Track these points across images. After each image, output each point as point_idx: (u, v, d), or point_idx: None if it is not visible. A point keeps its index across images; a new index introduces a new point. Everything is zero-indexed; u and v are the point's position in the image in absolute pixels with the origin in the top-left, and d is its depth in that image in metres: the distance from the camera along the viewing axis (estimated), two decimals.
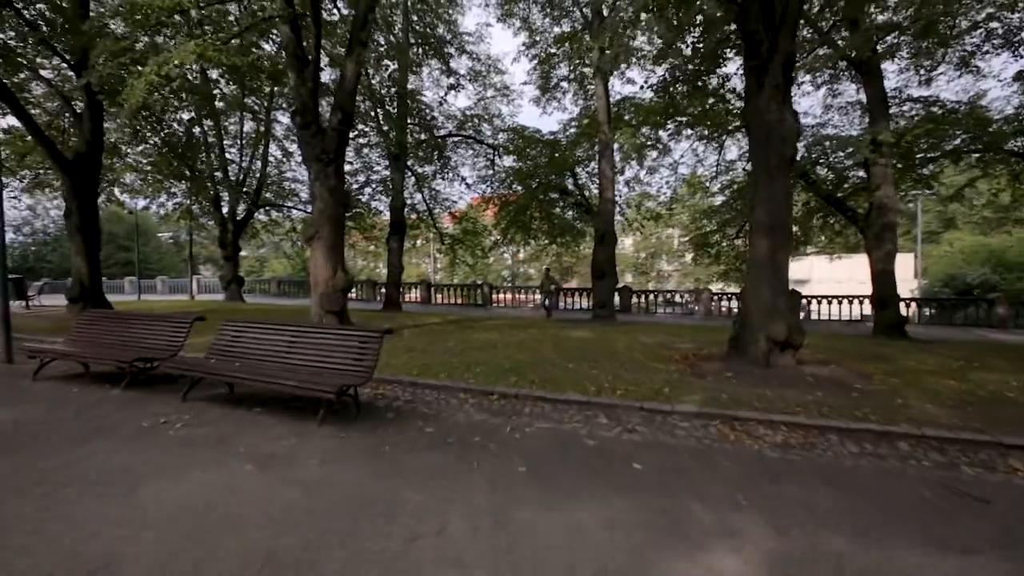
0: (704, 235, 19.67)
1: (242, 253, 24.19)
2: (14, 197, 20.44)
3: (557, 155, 17.15)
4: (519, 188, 18.55)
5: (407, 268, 62.09)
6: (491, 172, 20.26)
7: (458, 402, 5.97)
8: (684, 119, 18.41)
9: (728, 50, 13.64)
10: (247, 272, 35.75)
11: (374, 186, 20.58)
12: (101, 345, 7.21)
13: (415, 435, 4.79)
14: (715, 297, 20.28)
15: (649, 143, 18.48)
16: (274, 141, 21.35)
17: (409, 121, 19.73)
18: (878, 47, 13.67)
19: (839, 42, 12.94)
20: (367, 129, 19.53)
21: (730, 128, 18.73)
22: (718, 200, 21.04)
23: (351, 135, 18.69)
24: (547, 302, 17.05)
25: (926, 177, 15.89)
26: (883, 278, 14.05)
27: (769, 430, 5.02)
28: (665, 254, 52.71)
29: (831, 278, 38.83)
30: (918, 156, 14.62)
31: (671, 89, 15.36)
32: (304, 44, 10.06)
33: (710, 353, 8.71)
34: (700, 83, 15.08)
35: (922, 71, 14.70)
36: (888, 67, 14.94)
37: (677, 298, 21.05)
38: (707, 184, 20.90)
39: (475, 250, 22.78)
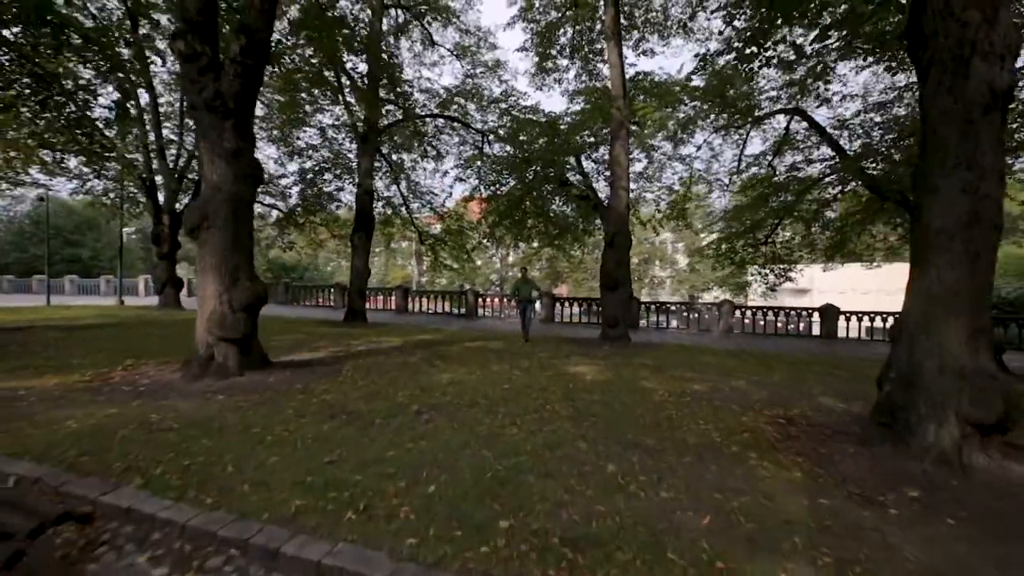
0: (727, 238, 16.34)
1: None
2: None
3: (558, 139, 13.68)
4: (511, 180, 15.06)
5: (391, 271, 58.58)
6: (479, 163, 16.66)
7: None
8: (708, 103, 15.18)
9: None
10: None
11: (337, 172, 16.80)
12: None
13: None
14: (736, 310, 16.95)
15: (672, 126, 15.14)
16: None
17: (383, 96, 16.16)
18: None
19: None
20: (328, 103, 15.89)
21: (758, 115, 15.53)
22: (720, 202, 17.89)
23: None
24: (525, 317, 11.76)
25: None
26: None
27: None
28: (659, 260, 49.55)
29: (833, 288, 35.71)
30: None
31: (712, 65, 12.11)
32: None
33: (821, 423, 5.29)
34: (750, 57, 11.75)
35: None
36: None
37: (692, 310, 17.69)
38: (725, 182, 17.67)
39: (459, 252, 19.23)
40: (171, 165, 16.96)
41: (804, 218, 15.54)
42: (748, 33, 10.45)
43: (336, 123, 16.97)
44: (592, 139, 13.73)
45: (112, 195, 16.79)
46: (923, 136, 4.54)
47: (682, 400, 6.25)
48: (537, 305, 14.74)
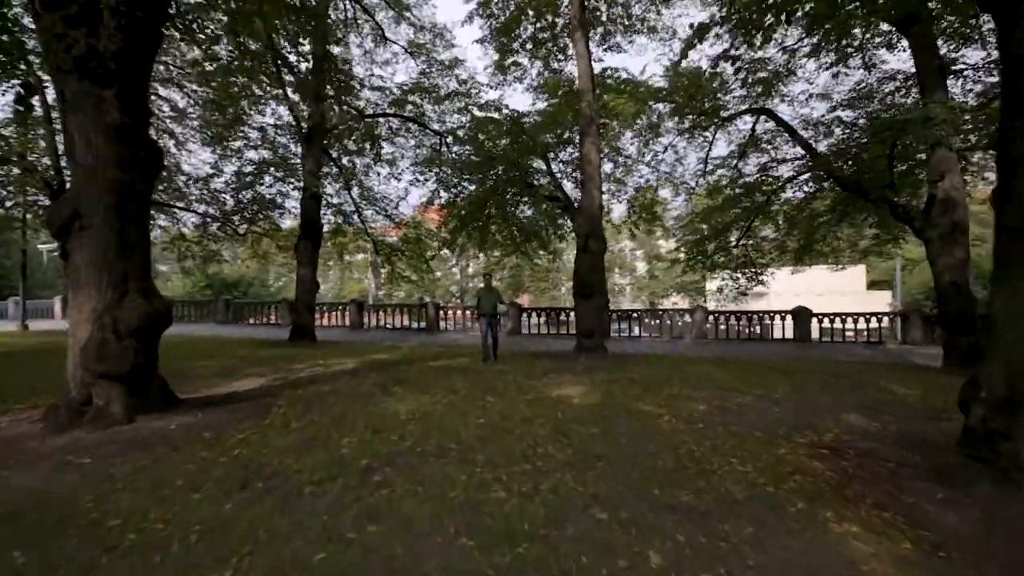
0: (698, 241, 15.64)
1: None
2: None
3: (523, 139, 12.51)
4: (472, 184, 13.75)
5: (347, 285, 55.80)
6: (437, 166, 15.25)
7: None
8: (674, 104, 14.53)
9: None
10: None
11: (278, 175, 14.91)
12: None
13: None
14: (708, 316, 16.24)
15: (641, 121, 14.32)
16: (155, 120, 15.50)
17: (330, 92, 14.60)
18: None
19: None
20: (267, 99, 14.19)
21: (725, 115, 15.00)
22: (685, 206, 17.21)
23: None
24: (490, 334, 9.83)
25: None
26: (952, 292, 10.34)
27: None
28: (618, 267, 49.38)
29: (788, 290, 36.11)
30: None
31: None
32: None
33: (871, 453, 4.25)
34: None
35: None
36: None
37: (662, 317, 16.85)
38: (692, 185, 17.07)
39: (418, 262, 17.71)
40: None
41: (774, 219, 15.05)
42: (727, 25, 9.68)
43: (278, 124, 15.21)
44: (560, 138, 12.64)
45: (10, 204, 14.33)
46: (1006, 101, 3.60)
47: (694, 427, 5.11)
48: (503, 319, 13.32)
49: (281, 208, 15.70)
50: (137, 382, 4.95)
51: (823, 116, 13.71)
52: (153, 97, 15.43)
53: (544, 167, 12.75)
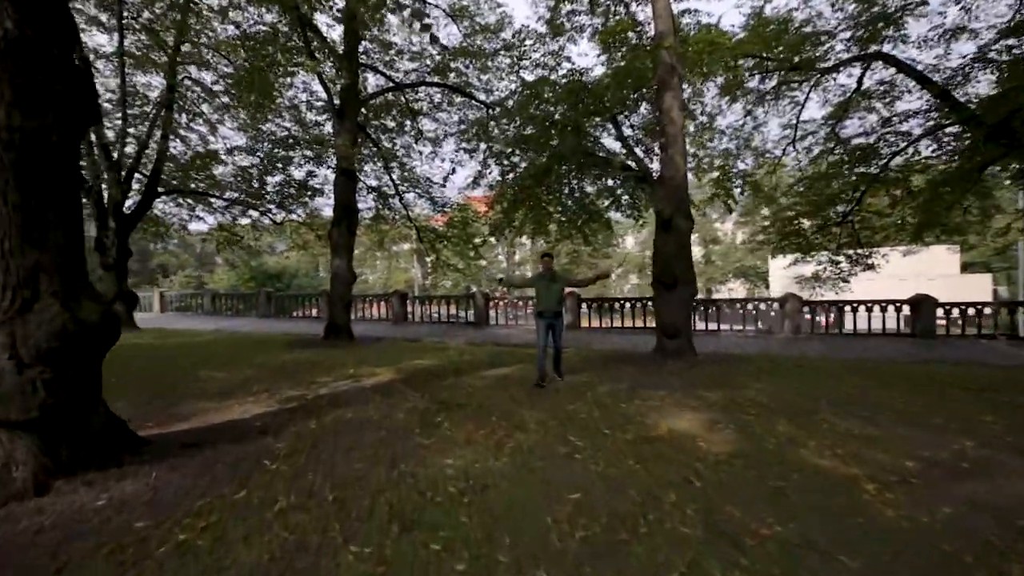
0: (792, 218, 12.97)
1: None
2: None
3: (586, 100, 10.21)
4: (522, 163, 11.59)
5: (394, 275, 55.00)
6: (484, 140, 13.18)
7: None
8: (761, 57, 12.02)
9: None
10: (184, 285, 28.10)
11: (309, 152, 13.20)
12: None
13: None
14: (804, 306, 13.53)
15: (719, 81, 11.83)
16: (183, 103, 14.28)
17: (364, 62, 12.86)
18: None
19: None
20: (298, 67, 12.57)
21: (825, 67, 12.16)
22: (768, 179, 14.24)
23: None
24: (551, 341, 6.49)
25: None
26: None
27: None
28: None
29: (865, 276, 31.77)
30: None
31: None
32: None
33: None
34: None
35: None
36: None
37: (747, 308, 14.26)
38: (775, 154, 14.32)
39: (465, 248, 15.86)
40: (114, 157, 13.66)
41: (893, 188, 12.13)
42: None
43: (310, 100, 13.61)
44: (630, 97, 10.24)
45: None
46: None
47: (924, 506, 2.91)
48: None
49: (316, 192, 14.14)
50: (56, 430, 3.25)
51: (965, 57, 10.66)
52: (185, 80, 14.25)
53: (614, 132, 10.45)
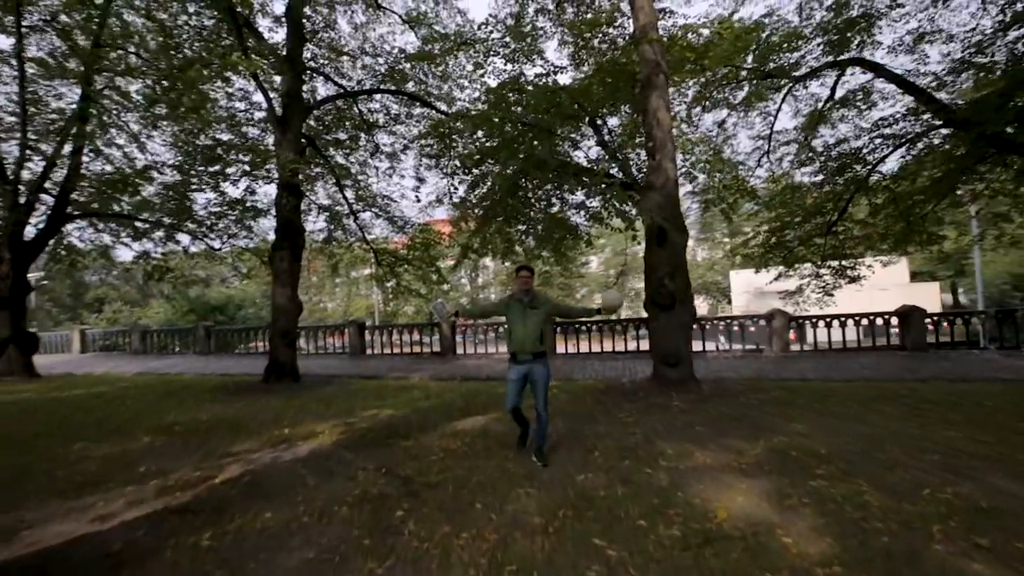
0: (776, 229, 12.18)
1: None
2: None
3: (560, 104, 9.03)
4: (485, 181, 10.28)
5: (353, 302, 52.11)
6: (445, 155, 11.83)
7: None
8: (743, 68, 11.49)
9: None
10: (111, 321, 24.60)
11: (244, 165, 11.29)
12: None
13: None
14: (793, 322, 12.69)
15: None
16: (100, 115, 12.20)
17: (312, 67, 11.40)
18: None
19: None
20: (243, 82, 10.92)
21: (799, 75, 11.63)
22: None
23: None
24: (536, 392, 4.36)
25: None
26: None
27: None
28: (639, 271, 45.72)
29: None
30: None
31: None
32: None
33: None
34: None
35: None
36: None
37: (732, 326, 13.30)
38: (751, 165, 13.66)
39: (427, 272, 14.32)
40: (9, 175, 11.47)
41: (875, 196, 11.53)
42: None
43: (248, 109, 11.89)
44: (611, 97, 9.14)
45: None
46: None
47: None
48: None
49: (259, 212, 12.29)
50: None
51: (947, 57, 10.23)
52: (105, 89, 12.26)
53: (595, 137, 9.31)
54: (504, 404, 4.54)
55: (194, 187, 11.21)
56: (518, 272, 4.61)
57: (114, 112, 12.64)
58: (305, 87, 12.35)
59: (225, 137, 12.19)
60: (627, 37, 9.28)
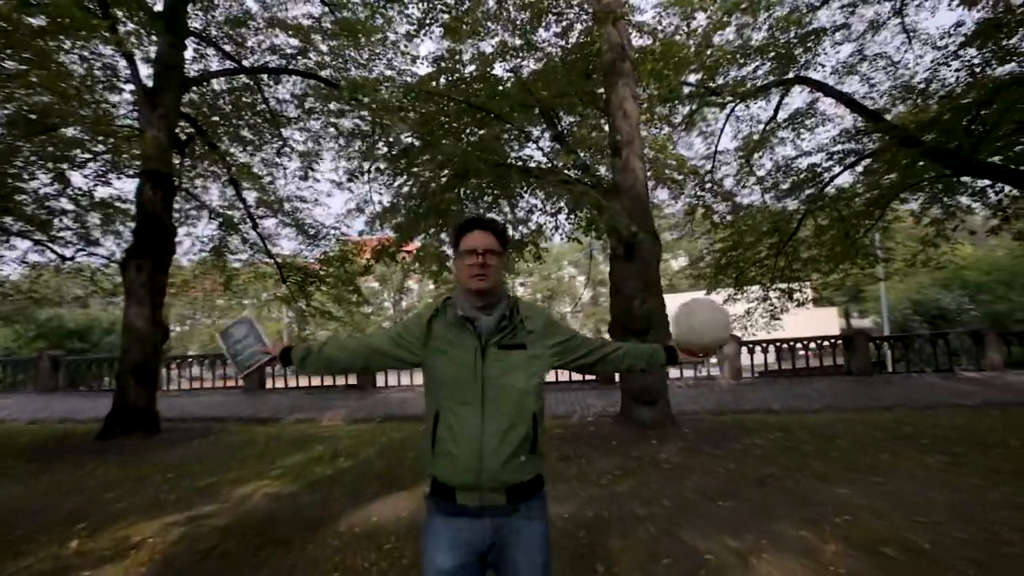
0: (728, 248, 11.49)
1: None
2: None
3: (508, 93, 7.57)
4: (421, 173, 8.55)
5: (265, 325, 46.97)
6: (368, 157, 9.91)
7: None
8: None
9: None
10: None
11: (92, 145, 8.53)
12: None
13: None
14: (742, 347, 11.99)
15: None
16: None
17: (195, 28, 9.09)
18: None
19: None
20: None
21: (743, 92, 11.19)
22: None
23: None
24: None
25: None
26: None
27: None
28: (567, 295, 45.25)
29: (731, 312, 32.87)
30: None
31: None
32: None
33: None
34: None
35: None
36: None
37: None
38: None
39: (343, 292, 12.08)
40: None
41: (827, 214, 11.21)
42: None
43: (109, 77, 9.20)
44: (570, 89, 7.81)
45: None
46: None
47: None
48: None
49: (120, 212, 9.51)
50: None
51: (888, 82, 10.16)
52: None
53: (550, 127, 7.90)
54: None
55: (17, 167, 8.20)
56: (460, 235, 1.48)
57: None
58: (197, 65, 10.05)
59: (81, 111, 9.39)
60: (586, 16, 8.04)
